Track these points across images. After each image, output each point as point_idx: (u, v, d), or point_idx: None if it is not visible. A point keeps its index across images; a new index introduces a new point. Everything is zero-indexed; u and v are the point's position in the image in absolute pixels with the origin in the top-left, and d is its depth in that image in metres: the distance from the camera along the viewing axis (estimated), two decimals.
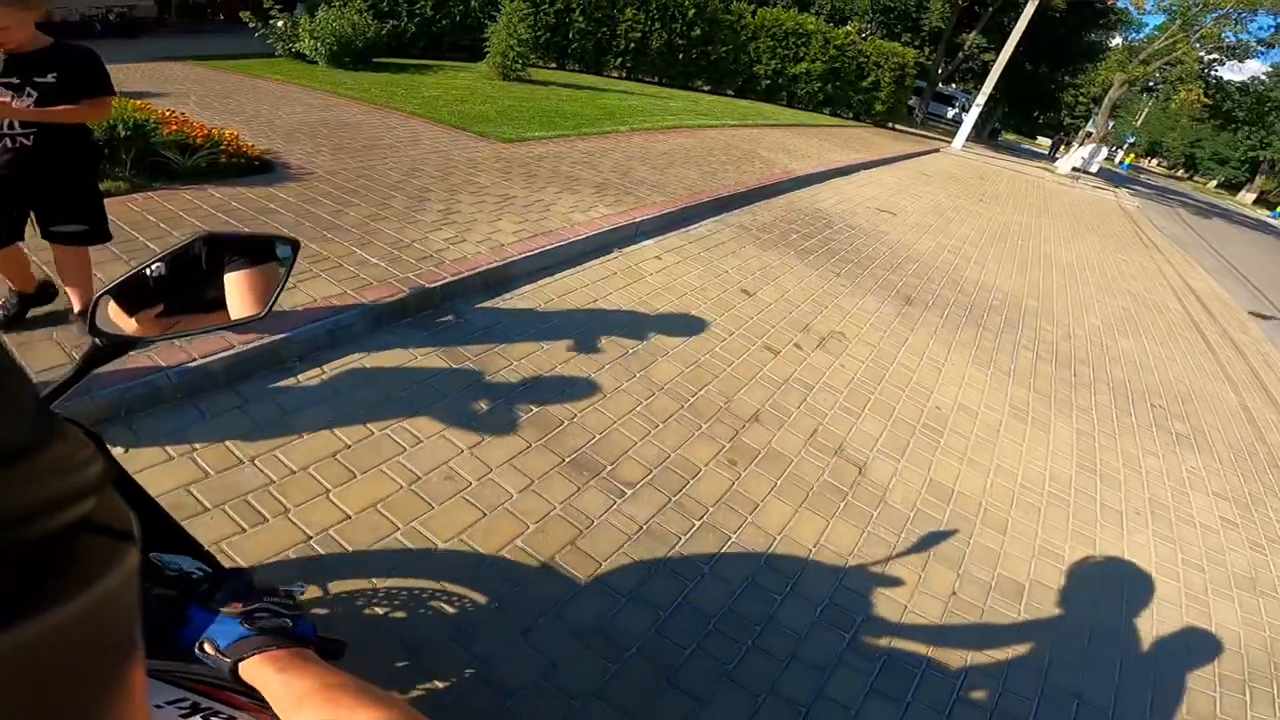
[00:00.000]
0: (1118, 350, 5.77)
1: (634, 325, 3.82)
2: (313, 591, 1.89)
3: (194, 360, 2.51)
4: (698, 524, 2.57)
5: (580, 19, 13.52)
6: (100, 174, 3.56)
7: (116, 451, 2.16)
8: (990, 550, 2.88)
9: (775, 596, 2.35)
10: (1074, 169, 23.19)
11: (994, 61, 20.78)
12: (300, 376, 2.76)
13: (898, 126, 21.28)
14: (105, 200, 2.58)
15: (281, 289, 0.89)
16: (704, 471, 2.85)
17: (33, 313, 2.66)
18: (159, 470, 2.15)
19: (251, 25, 8.90)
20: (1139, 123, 51.55)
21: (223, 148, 4.31)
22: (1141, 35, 30.37)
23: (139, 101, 4.49)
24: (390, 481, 2.35)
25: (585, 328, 3.66)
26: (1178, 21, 23.61)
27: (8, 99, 2.08)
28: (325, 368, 2.84)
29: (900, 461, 3.31)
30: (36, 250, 2.59)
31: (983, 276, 6.85)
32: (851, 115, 19.25)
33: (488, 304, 3.65)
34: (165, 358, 2.46)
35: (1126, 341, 6.09)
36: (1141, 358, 5.77)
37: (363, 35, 9.21)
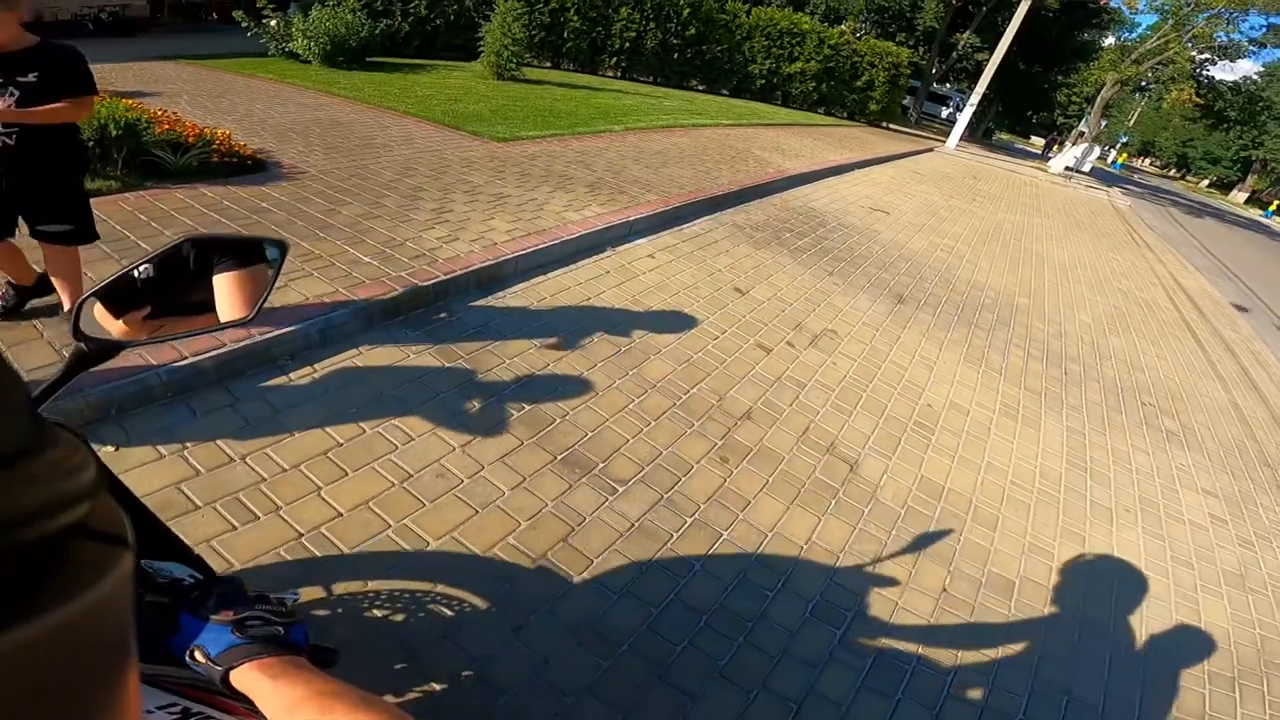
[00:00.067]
0: (1108, 348, 5.81)
1: (627, 323, 3.83)
2: (308, 594, 1.88)
3: (185, 358, 2.50)
4: (689, 521, 2.57)
5: (575, 18, 13.50)
6: (91, 173, 3.56)
7: (107, 450, 2.15)
8: (981, 547, 2.90)
9: (767, 593, 2.36)
10: (1067, 168, 23.30)
11: (988, 61, 20.87)
12: (292, 375, 2.76)
13: (892, 126, 21.33)
14: (97, 199, 2.59)
15: (269, 291, 0.88)
16: (696, 469, 2.86)
17: (32, 304, 2.67)
18: (150, 468, 2.14)
19: (244, 25, 8.86)
20: (1131, 122, 51.73)
21: (215, 147, 4.30)
22: (1134, 35, 30.56)
23: (131, 101, 4.47)
24: (382, 479, 2.35)
25: (578, 326, 3.66)
26: (1170, 21, 23.72)
27: None
28: (317, 366, 2.84)
29: (892, 459, 3.32)
30: (33, 247, 2.58)
31: (975, 275, 6.88)
32: (846, 115, 19.30)
33: (481, 302, 3.65)
34: (156, 356, 2.46)
35: (1117, 339, 6.12)
36: (1132, 356, 5.80)
37: (356, 34, 9.17)
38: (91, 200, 2.63)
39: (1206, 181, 55.94)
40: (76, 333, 0.73)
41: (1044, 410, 4.28)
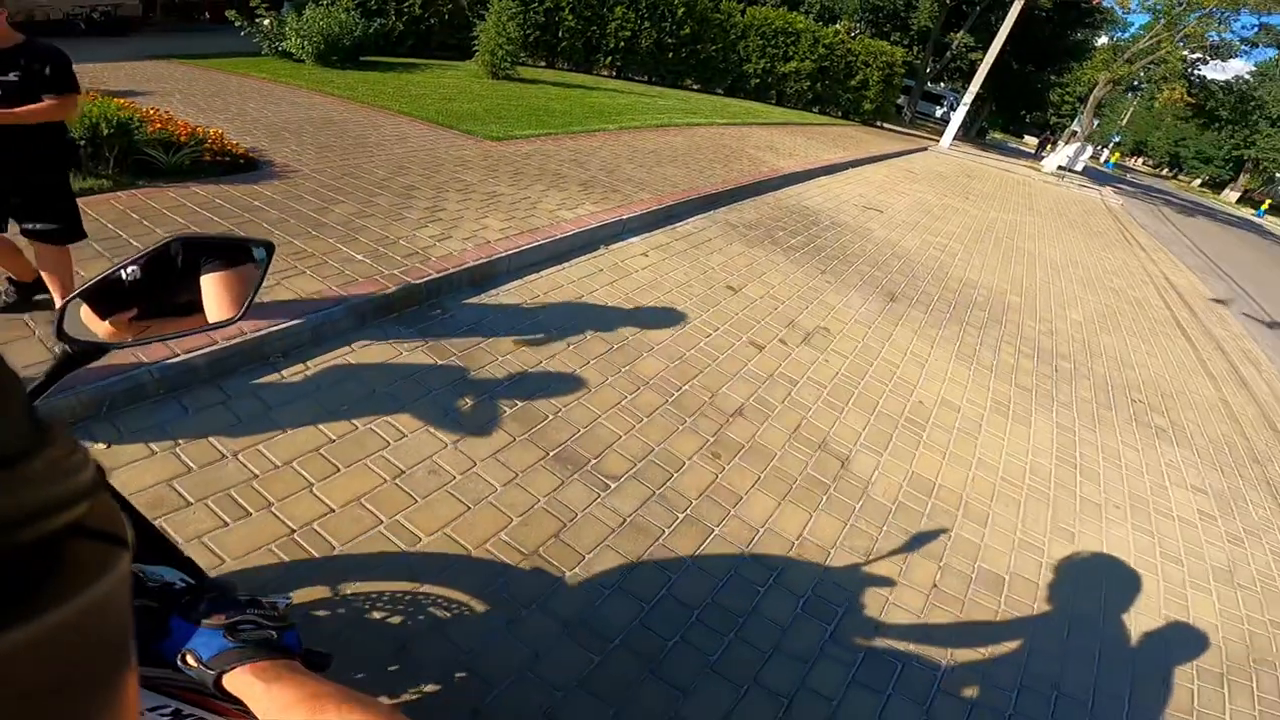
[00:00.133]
0: (1099, 346, 5.84)
1: (619, 321, 3.83)
2: (300, 592, 1.89)
3: (177, 356, 2.50)
4: (681, 517, 2.58)
5: (570, 17, 13.51)
6: (84, 172, 3.55)
7: (99, 447, 2.15)
8: (971, 543, 2.91)
9: (758, 589, 2.37)
10: (1060, 167, 23.36)
11: (981, 60, 20.92)
12: (284, 372, 2.76)
13: (886, 125, 21.40)
14: (89, 198, 2.59)
15: (256, 292, 0.88)
16: (688, 465, 2.87)
17: (39, 298, 2.68)
18: (142, 465, 2.14)
19: (238, 24, 8.83)
20: (1124, 122, 52.05)
21: (207, 146, 4.29)
22: (1127, 34, 30.70)
23: (123, 100, 4.45)
24: (374, 476, 2.35)
25: (571, 323, 3.67)
26: (1162, 21, 23.82)
27: None
28: (309, 363, 2.84)
29: (883, 455, 3.34)
30: (30, 245, 2.58)
31: (967, 273, 6.90)
32: (840, 114, 19.36)
33: (474, 300, 3.65)
34: (148, 353, 2.45)
35: (1108, 337, 6.16)
36: (1123, 353, 5.84)
37: (350, 33, 9.16)
38: (83, 199, 2.64)
39: (1199, 181, 56.23)
40: (61, 335, 0.72)
41: (1035, 407, 4.31)
